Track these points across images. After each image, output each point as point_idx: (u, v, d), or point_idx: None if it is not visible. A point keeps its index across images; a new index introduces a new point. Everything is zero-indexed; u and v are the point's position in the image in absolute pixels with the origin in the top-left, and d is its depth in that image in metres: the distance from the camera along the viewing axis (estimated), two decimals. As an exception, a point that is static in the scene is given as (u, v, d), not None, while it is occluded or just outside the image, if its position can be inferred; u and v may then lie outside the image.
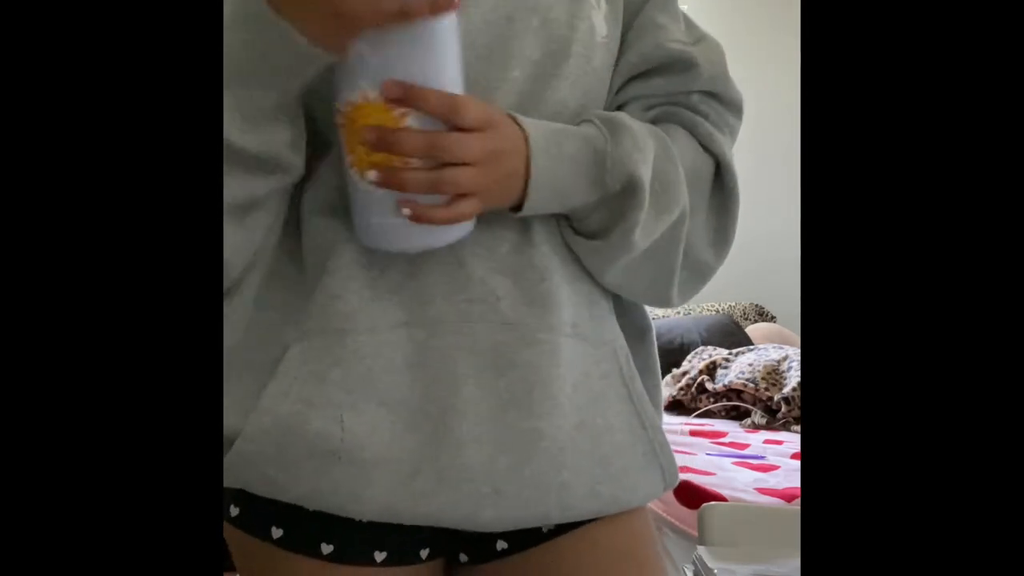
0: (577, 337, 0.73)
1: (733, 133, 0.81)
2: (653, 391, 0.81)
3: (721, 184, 0.78)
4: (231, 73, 0.60)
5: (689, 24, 0.81)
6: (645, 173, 0.70)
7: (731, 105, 0.80)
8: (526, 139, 0.66)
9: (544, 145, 0.67)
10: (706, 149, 0.77)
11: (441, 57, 0.62)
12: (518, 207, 0.68)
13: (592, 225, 0.72)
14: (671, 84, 0.77)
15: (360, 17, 0.57)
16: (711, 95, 0.79)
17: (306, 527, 0.72)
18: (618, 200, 0.70)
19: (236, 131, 0.62)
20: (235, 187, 0.64)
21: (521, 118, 0.67)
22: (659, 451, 0.77)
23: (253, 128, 0.62)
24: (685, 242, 0.75)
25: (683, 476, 1.55)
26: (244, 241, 0.68)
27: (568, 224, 0.73)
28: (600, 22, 0.74)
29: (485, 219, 0.69)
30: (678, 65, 0.76)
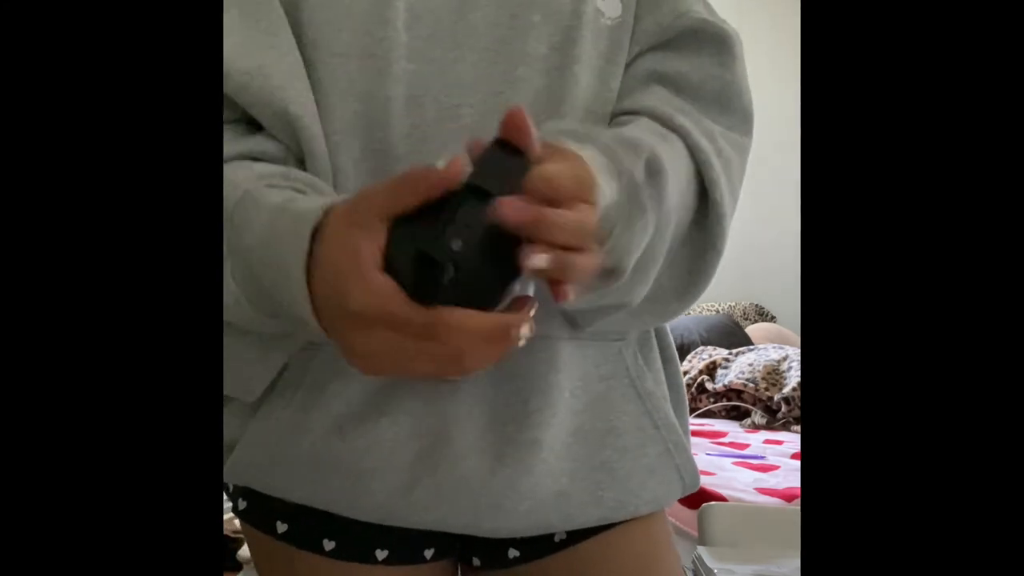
0: (575, 339, 0.70)
1: (743, 153, 0.70)
2: (673, 378, 0.76)
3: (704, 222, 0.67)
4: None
5: (708, 6, 0.73)
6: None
7: (742, 120, 0.71)
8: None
9: None
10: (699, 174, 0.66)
11: None
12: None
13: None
14: (691, 63, 0.69)
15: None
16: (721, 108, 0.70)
17: (309, 523, 0.72)
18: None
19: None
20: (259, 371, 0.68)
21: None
22: (675, 451, 0.73)
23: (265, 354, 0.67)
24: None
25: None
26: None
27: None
28: (607, 3, 0.70)
29: None
30: (704, 37, 0.69)
